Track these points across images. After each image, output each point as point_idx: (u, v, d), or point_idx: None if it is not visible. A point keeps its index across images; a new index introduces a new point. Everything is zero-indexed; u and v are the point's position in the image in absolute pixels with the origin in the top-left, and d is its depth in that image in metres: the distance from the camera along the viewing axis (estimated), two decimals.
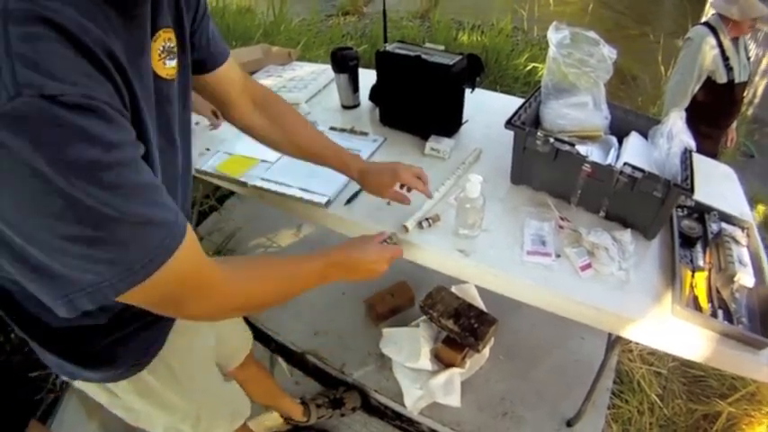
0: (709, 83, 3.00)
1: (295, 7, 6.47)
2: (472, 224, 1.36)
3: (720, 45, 2.93)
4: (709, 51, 2.93)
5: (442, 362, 2.01)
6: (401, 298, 2.32)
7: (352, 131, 1.88)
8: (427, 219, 1.41)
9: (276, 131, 1.31)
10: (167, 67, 0.84)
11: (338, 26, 6.70)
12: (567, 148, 1.43)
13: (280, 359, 2.30)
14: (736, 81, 2.98)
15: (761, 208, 3.54)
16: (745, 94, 3.27)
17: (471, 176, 1.28)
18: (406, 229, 1.39)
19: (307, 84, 2.25)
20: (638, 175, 1.34)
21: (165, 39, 0.83)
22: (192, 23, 0.99)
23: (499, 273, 1.32)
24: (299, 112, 1.35)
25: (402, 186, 1.37)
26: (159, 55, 0.81)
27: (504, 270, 1.32)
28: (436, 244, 1.39)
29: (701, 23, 3.07)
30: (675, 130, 1.50)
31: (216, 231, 2.88)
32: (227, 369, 1.59)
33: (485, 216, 1.38)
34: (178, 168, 0.95)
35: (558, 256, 1.36)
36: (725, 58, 2.94)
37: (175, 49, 0.87)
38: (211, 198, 3.07)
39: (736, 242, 1.43)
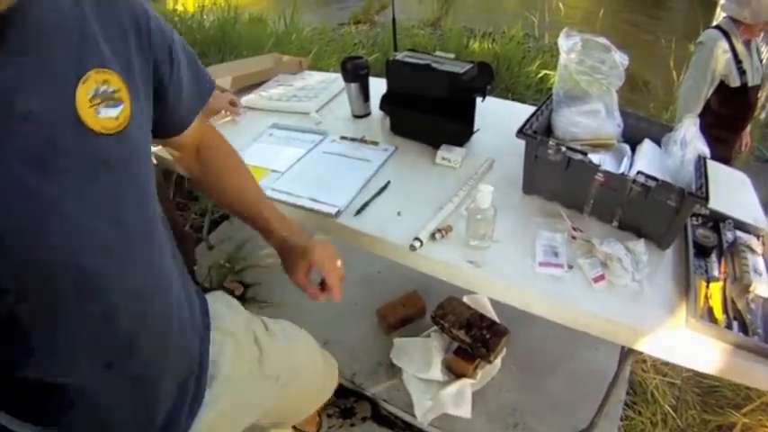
0: (723, 87, 2.97)
1: (307, 16, 6.51)
2: (483, 235, 1.35)
3: (733, 48, 2.90)
4: (722, 55, 2.90)
5: (454, 372, 1.99)
6: (413, 308, 2.31)
7: (362, 141, 1.88)
8: (440, 230, 1.40)
9: (210, 184, 1.15)
10: (102, 118, 0.69)
11: (350, 35, 6.72)
12: (579, 156, 1.41)
13: None
14: (750, 85, 2.95)
15: None
16: (758, 97, 3.23)
17: (482, 187, 1.27)
18: (419, 241, 1.38)
19: (317, 93, 2.25)
20: (652, 183, 1.33)
21: (99, 81, 0.69)
22: (157, 72, 0.84)
23: (510, 284, 1.31)
24: (241, 168, 1.18)
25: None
26: (90, 101, 0.68)
27: (515, 282, 1.31)
28: (447, 255, 1.38)
29: (712, 27, 3.04)
30: (689, 137, 1.48)
31: (227, 240, 2.88)
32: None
33: (496, 227, 1.37)
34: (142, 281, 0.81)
35: (571, 267, 1.34)
36: (738, 62, 2.91)
37: (118, 96, 0.72)
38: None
39: (752, 251, 1.41)
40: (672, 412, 2.17)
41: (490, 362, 1.90)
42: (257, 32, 5.31)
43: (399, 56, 1.80)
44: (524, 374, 2.12)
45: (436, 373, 1.97)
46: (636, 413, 2.14)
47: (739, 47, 2.90)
